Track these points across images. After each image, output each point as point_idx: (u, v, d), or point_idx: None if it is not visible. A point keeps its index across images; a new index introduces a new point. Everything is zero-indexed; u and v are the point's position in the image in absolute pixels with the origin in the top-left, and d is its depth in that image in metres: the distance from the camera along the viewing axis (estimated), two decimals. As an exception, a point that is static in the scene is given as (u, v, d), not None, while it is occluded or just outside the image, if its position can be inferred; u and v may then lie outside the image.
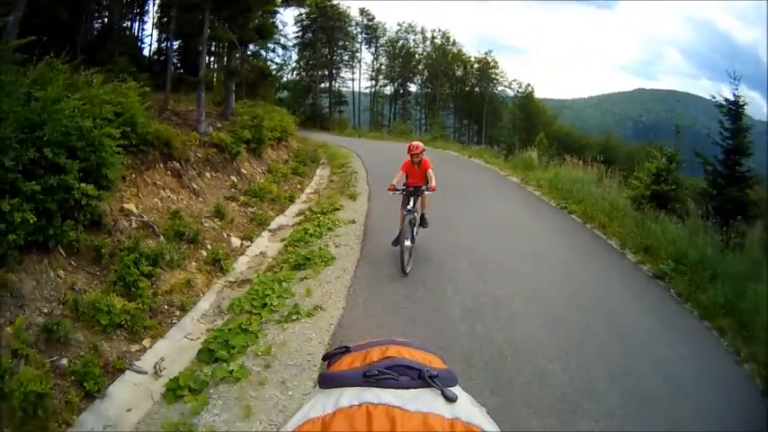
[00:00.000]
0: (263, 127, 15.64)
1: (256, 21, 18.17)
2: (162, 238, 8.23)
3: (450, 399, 0.78)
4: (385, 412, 0.73)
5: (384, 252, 9.42)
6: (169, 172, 10.29)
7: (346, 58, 63.02)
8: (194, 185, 10.89)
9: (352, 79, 65.73)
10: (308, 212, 12.53)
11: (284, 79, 52.84)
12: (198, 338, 6.60)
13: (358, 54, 65.59)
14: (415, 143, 9.70)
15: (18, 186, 5.58)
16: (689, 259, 9.10)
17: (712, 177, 13.81)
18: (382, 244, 9.66)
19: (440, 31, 71.24)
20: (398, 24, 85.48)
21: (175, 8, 17.11)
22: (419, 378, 0.81)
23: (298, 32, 53.67)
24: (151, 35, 30.12)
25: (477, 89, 68.79)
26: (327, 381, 0.84)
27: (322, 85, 58.15)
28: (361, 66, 67.43)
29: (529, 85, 71.39)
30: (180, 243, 8.50)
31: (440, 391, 0.79)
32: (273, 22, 25.61)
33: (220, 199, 11.25)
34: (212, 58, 26.27)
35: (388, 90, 70.26)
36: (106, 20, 21.97)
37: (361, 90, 68.46)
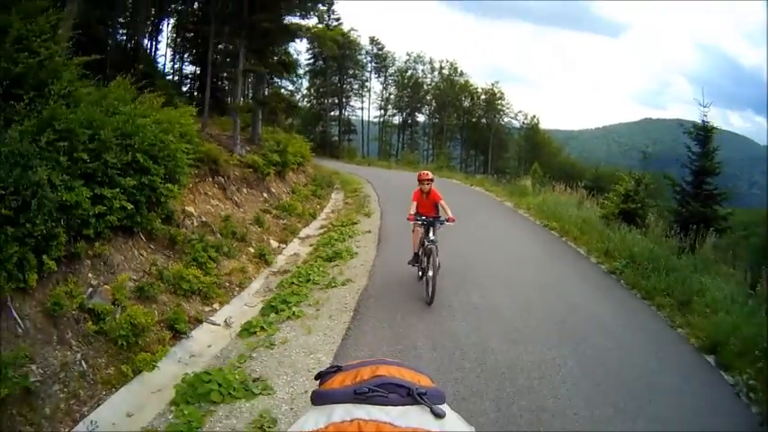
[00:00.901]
0: (288, 152, 17.90)
1: (282, 56, 20.59)
2: (219, 235, 10.68)
3: (439, 415, 0.80)
4: (375, 428, 0.75)
5: (395, 251, 11.76)
6: (216, 185, 12.80)
7: (356, 86, 64.69)
8: (235, 198, 13.37)
9: (362, 108, 67.12)
10: (329, 225, 15.22)
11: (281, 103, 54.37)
12: (254, 306, 9.27)
13: (367, 83, 66.98)
14: (425, 171, 10.27)
15: (117, 180, 7.83)
16: (638, 258, 11.43)
17: (680, 196, 16.13)
18: (394, 247, 12.11)
19: (447, 61, 72.41)
20: (407, 54, 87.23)
21: (211, 40, 19.44)
22: (408, 395, 0.82)
23: (309, 60, 55.04)
24: (165, 55, 31.46)
25: (483, 120, 70.20)
26: (319, 398, 0.86)
27: (332, 113, 59.92)
28: (370, 95, 68.60)
29: (534, 116, 73.35)
30: (232, 240, 11.03)
31: (429, 408, 0.81)
32: (295, 61, 27.89)
33: (257, 211, 13.78)
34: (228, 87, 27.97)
35: (397, 120, 71.67)
36: (126, 37, 23.71)
37: (371, 119, 69.75)
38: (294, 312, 8.39)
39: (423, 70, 71.57)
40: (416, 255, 10.03)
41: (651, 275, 10.60)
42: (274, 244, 12.57)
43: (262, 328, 7.92)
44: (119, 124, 8.29)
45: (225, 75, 24.55)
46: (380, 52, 67.91)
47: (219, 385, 5.94)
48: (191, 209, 10.88)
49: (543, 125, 73.05)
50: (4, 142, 6.08)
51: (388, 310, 8.64)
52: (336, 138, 57.83)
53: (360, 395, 0.81)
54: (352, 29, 57.47)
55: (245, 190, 14.30)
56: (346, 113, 62.43)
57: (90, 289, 7.19)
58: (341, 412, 0.79)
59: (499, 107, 69.88)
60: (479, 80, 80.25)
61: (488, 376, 6.50)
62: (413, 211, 9.68)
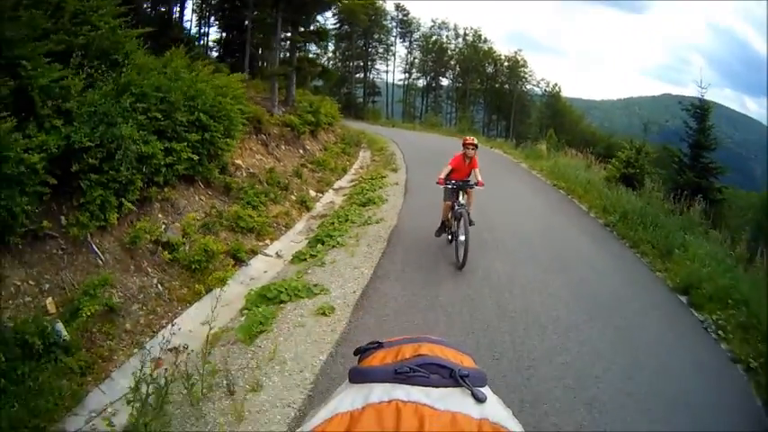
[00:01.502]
0: (320, 113, 19.10)
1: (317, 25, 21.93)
2: (265, 184, 11.97)
3: (480, 399, 0.78)
4: (414, 410, 0.73)
5: (420, 200, 13.22)
6: (259, 142, 14.04)
7: (381, 50, 64.40)
8: (276, 153, 14.58)
9: (386, 71, 67.18)
10: (360, 179, 16.39)
11: (314, 67, 54.81)
12: (300, 243, 10.60)
13: (392, 47, 66.73)
14: (470, 137, 10.21)
15: (183, 136, 9.21)
16: (630, 214, 12.73)
17: (678, 167, 18.61)
18: (419, 196, 13.58)
19: (471, 28, 72.45)
20: (432, 21, 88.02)
21: (250, 12, 20.75)
22: (450, 377, 0.80)
23: (335, 24, 55.34)
24: (190, 20, 32.17)
25: (506, 86, 69.58)
26: (357, 375, 0.84)
27: (357, 75, 59.89)
28: (395, 58, 68.42)
29: (556, 84, 72.69)
30: (276, 188, 12.21)
31: (469, 391, 0.78)
32: (327, 29, 28.80)
33: (295, 165, 14.99)
34: (258, 51, 28.76)
35: (421, 83, 71.38)
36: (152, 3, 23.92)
37: (395, 82, 69.78)
38: (338, 242, 10.08)
39: (447, 36, 71.47)
40: (443, 224, 10.14)
41: (639, 229, 11.92)
42: (312, 193, 13.89)
43: (311, 255, 9.53)
44: (184, 89, 9.60)
45: (255, 41, 25.62)
46: (405, 18, 67.79)
47: (285, 291, 7.46)
48: (239, 162, 12.17)
49: (565, 93, 72.10)
50: (89, 103, 7.36)
51: (415, 241, 10.36)
52: (361, 99, 57.81)
53: (400, 374, 0.79)
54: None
55: (283, 146, 15.49)
56: (371, 76, 62.53)
57: (163, 225, 8.53)
58: (379, 392, 0.77)
59: (522, 74, 69.59)
60: (503, 47, 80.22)
61: (491, 287, 8.28)
62: (443, 175, 9.58)
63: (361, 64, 60.83)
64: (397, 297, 7.75)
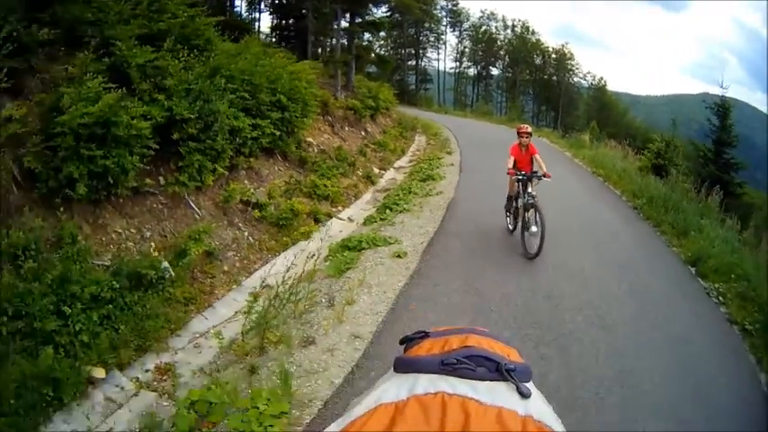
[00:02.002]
0: (379, 98, 20.00)
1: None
2: (335, 159, 12.98)
3: (525, 394, 0.76)
4: (460, 403, 0.71)
5: (474, 178, 14.83)
6: (326, 123, 15.01)
7: (432, 39, 64.60)
8: (341, 134, 15.64)
9: (437, 59, 67.95)
10: (417, 159, 17.51)
11: (371, 55, 55.53)
12: (368, 210, 11.85)
13: (443, 36, 67.01)
14: (524, 125, 10.45)
15: (266, 114, 10.43)
16: (655, 199, 13.82)
17: (703, 161, 20.41)
18: (473, 174, 15.33)
19: (519, 20, 72.20)
20: (481, 11, 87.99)
21: (311, 4, 21.77)
22: (496, 370, 0.78)
23: (386, 12, 55.76)
24: (240, 6, 33.37)
25: (554, 78, 70.13)
26: (403, 365, 0.82)
27: (409, 62, 60.07)
28: (446, 47, 69.09)
29: (602, 78, 74.14)
30: (345, 164, 13.28)
31: (515, 386, 0.76)
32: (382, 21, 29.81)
33: (359, 144, 15.97)
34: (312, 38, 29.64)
35: (472, 72, 71.70)
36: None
37: (446, 70, 70.38)
38: (404, 208, 11.58)
39: (496, 27, 71.55)
40: (510, 198, 10.28)
41: (661, 211, 13.07)
42: (376, 170, 14.93)
43: (381, 218, 10.99)
44: (266, 73, 10.94)
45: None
46: (455, 8, 68.33)
47: (364, 241, 9.10)
48: (311, 139, 13.28)
49: (611, 87, 72.24)
50: (185, 81, 8.45)
51: (470, 210, 11.82)
52: (413, 86, 58.04)
53: (446, 366, 0.77)
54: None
55: (347, 128, 16.49)
56: (423, 63, 62.92)
57: (251, 188, 9.75)
58: (425, 383, 0.75)
59: (569, 67, 70.12)
60: (549, 38, 79.78)
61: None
62: (511, 164, 9.74)
63: (413, 52, 61.03)
64: (457, 248, 9.64)
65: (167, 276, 6.61)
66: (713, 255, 10.31)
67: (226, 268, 7.92)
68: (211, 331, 6.55)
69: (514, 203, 10.03)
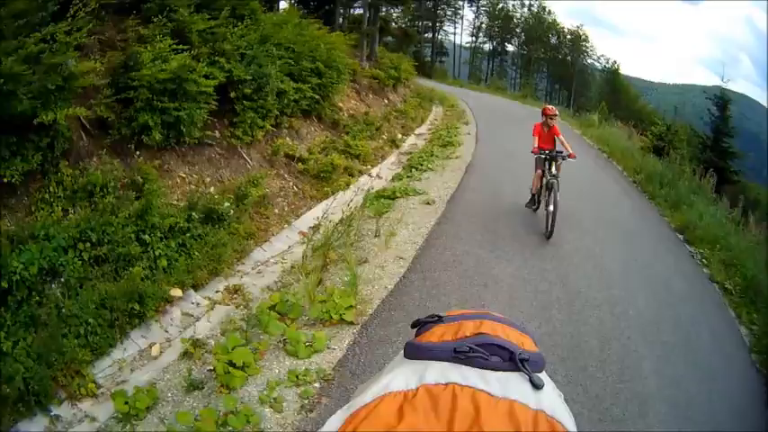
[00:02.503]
0: (401, 69, 20.96)
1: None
2: (363, 124, 14.00)
3: (538, 386, 0.75)
4: (471, 396, 0.71)
5: (489, 146, 16.43)
6: (354, 90, 15.98)
7: (449, 13, 64.61)
8: (366, 101, 16.66)
9: (454, 33, 68.10)
10: (437, 127, 18.62)
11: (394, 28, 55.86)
12: (394, 170, 12.99)
13: (460, 11, 66.73)
14: (551, 106, 10.65)
15: (307, 79, 11.48)
16: (653, 176, 15.31)
17: (702, 147, 22.33)
18: (488, 143, 16.90)
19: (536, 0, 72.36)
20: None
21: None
22: (510, 360, 0.77)
23: None
24: None
25: (568, 58, 70.75)
26: (414, 351, 0.81)
27: (426, 35, 59.88)
28: (462, 22, 68.49)
29: (615, 61, 74.38)
30: (372, 128, 14.24)
31: (528, 377, 0.76)
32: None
33: (383, 111, 16.96)
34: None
35: (487, 47, 71.85)
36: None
37: (462, 44, 70.38)
38: (428, 167, 13.06)
39: (513, 5, 71.49)
40: (533, 197, 10.50)
41: (657, 186, 14.49)
42: (399, 136, 15.96)
43: (407, 176, 12.28)
44: (306, 42, 12.11)
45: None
46: None
47: (397, 190, 10.60)
48: (341, 105, 14.32)
49: (624, 71, 72.47)
50: (245, 48, 9.56)
51: (486, 172, 13.52)
52: (429, 59, 57.74)
53: (459, 353, 0.76)
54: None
55: (371, 96, 17.47)
56: (439, 37, 63.09)
57: (294, 143, 10.88)
58: (435, 373, 0.74)
59: (583, 48, 70.94)
60: (565, 19, 79.76)
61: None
62: (536, 144, 9.77)
63: (430, 24, 60.87)
64: (476, 200, 11.30)
65: (231, 214, 7.72)
66: (700, 226, 11.62)
67: (276, 211, 9.07)
68: (271, 260, 7.81)
69: (537, 198, 10.29)
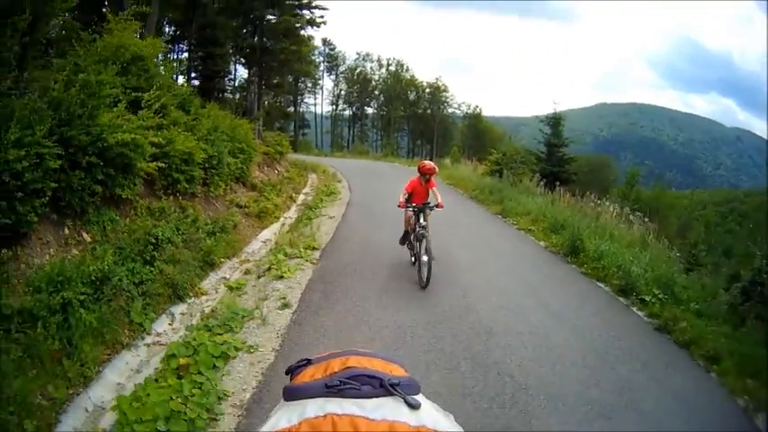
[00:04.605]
0: (283, 145, 28.92)
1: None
2: (270, 186, 21.63)
3: (414, 406, 0.86)
4: (349, 422, 0.81)
5: (359, 192, 24.07)
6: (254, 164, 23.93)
7: (309, 84, 72.46)
8: (265, 171, 24.04)
9: (315, 104, 76.94)
10: (318, 186, 26.60)
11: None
12: (298, 212, 20.43)
13: (320, 81, 75.34)
14: (428, 163, 11.75)
15: (237, 155, 19.26)
16: (485, 188, 23.97)
17: (537, 161, 30.97)
18: (358, 191, 24.65)
19: (394, 59, 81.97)
20: (357, 53, 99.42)
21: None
22: (381, 387, 0.89)
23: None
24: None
25: (429, 111, 78.68)
26: (291, 393, 0.93)
27: (289, 109, 64.92)
28: (322, 92, 78.08)
29: (477, 106, 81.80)
30: (276, 189, 21.32)
31: (402, 399, 0.87)
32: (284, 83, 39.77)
33: (278, 178, 24.69)
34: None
35: (347, 113, 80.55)
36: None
37: (323, 113, 79.16)
38: (321, 207, 19.90)
39: (371, 67, 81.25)
40: (407, 233, 11.84)
41: (487, 195, 23.45)
42: (293, 194, 22.91)
43: (308, 217, 18.06)
44: (234, 128, 18.75)
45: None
46: (332, 52, 77.47)
47: (310, 215, 18.36)
48: (254, 173, 21.33)
49: (496, 113, 78.68)
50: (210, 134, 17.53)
51: (361, 205, 20.44)
52: (293, 133, 65.25)
53: (331, 388, 0.88)
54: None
55: (266, 168, 24.17)
56: (301, 110, 70.14)
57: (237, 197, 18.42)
58: (313, 408, 0.85)
59: (443, 99, 79.41)
60: (431, 71, 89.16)
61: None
62: (402, 198, 11.08)
63: (291, 99, 67.60)
64: (358, 215, 18.53)
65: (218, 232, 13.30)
66: (513, 208, 20.19)
67: (244, 231, 15.27)
68: (255, 249, 14.52)
69: (411, 236, 11.57)
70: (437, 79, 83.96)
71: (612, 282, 12.27)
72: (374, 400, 0.87)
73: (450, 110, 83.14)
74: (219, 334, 8.37)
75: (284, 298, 10.09)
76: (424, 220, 10.90)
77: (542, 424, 6.44)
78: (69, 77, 9.16)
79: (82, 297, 7.38)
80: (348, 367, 0.95)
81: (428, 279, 10.35)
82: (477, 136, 74.21)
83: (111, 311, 7.96)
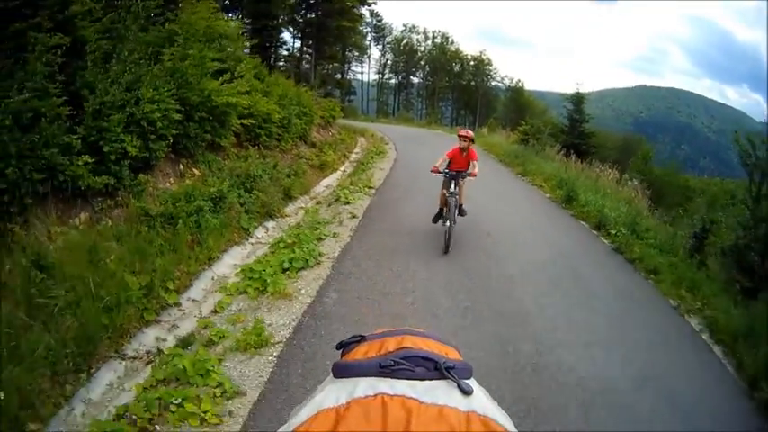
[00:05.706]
0: (335, 110, 32.28)
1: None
2: (327, 145, 25.49)
3: (466, 391, 0.83)
4: (401, 403, 0.78)
5: (405, 153, 27.17)
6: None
7: (357, 53, 73.46)
8: (322, 133, 27.48)
9: (362, 72, 78.48)
10: (368, 147, 29.83)
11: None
12: (351, 167, 24.51)
13: (368, 51, 76.86)
14: (466, 130, 11.79)
15: (301, 117, 23.40)
16: (512, 154, 27.67)
17: (561, 134, 33.97)
18: (404, 152, 27.62)
19: (440, 31, 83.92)
20: (403, 25, 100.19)
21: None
22: (435, 369, 0.86)
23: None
24: None
25: (473, 83, 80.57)
26: (341, 370, 0.91)
27: (336, 76, 65.27)
28: (369, 61, 79.56)
29: (519, 80, 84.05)
30: (333, 147, 25.00)
31: (455, 384, 0.84)
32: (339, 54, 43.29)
33: (333, 139, 28.19)
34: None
35: (393, 82, 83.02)
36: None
37: (370, 81, 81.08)
38: (372, 164, 22.66)
39: (417, 39, 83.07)
40: (440, 211, 11.81)
41: (514, 160, 26.32)
42: (346, 153, 25.91)
43: (361, 169, 21.10)
44: (300, 96, 22.43)
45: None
46: (379, 23, 79.62)
47: (365, 165, 22.40)
48: (314, 134, 24.65)
49: (538, 87, 79.85)
50: (281, 99, 21.64)
51: (407, 165, 22.69)
52: (340, 99, 62.19)
53: (385, 368, 0.85)
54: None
55: (321, 130, 27.36)
56: (348, 77, 71.05)
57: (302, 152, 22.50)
58: (364, 386, 0.83)
59: (487, 72, 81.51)
60: (474, 44, 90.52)
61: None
62: (438, 163, 11.22)
63: (340, 67, 67.52)
64: (403, 171, 21.25)
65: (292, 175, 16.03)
66: (532, 170, 23.01)
67: (309, 178, 17.76)
68: (320, 191, 18.31)
69: (443, 215, 11.66)
70: (481, 53, 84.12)
71: (591, 221, 16.16)
72: (427, 382, 0.85)
73: (493, 83, 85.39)
74: (313, 229, 12.19)
75: (352, 213, 14.15)
76: (456, 187, 11.09)
77: (503, 270, 10.99)
78: (182, 52, 11.94)
79: (207, 207, 10.50)
80: (403, 347, 0.93)
81: (449, 243, 10.87)
82: (519, 109, 72.99)
83: (227, 219, 11.12)
